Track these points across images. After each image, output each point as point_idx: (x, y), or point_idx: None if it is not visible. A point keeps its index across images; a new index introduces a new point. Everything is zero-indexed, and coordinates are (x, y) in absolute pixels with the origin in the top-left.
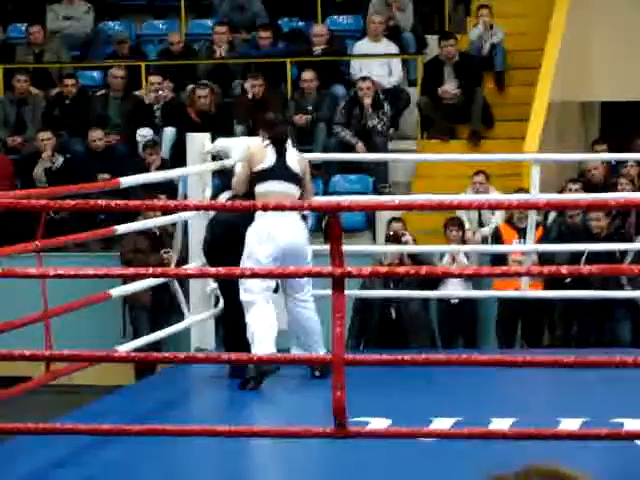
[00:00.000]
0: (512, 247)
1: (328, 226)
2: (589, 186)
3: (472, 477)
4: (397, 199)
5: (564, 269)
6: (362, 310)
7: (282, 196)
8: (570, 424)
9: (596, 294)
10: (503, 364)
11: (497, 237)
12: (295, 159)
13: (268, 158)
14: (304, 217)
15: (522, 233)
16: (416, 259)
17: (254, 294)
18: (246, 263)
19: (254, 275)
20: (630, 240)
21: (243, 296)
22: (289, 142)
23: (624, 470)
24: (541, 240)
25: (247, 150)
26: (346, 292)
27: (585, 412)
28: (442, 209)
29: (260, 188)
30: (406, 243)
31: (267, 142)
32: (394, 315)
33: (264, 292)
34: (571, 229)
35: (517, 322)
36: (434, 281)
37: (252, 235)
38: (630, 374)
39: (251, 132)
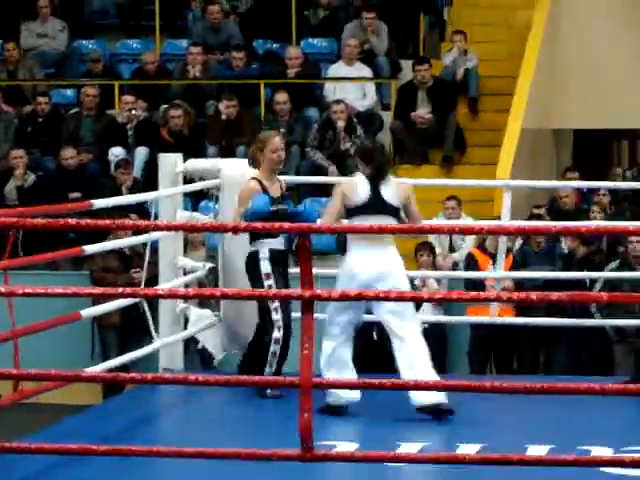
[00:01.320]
0: (481, 273)
1: (298, 248)
2: (560, 213)
3: None
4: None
5: (534, 295)
6: None
7: None
8: (537, 450)
9: (564, 321)
10: (469, 389)
11: (472, 263)
12: (393, 190)
13: (362, 191)
14: None
15: (495, 259)
16: None
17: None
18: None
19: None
20: (600, 268)
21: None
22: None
23: None
24: (512, 267)
25: (338, 186)
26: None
27: (552, 439)
28: (412, 233)
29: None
30: None
31: (363, 175)
32: (376, 337)
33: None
34: (533, 254)
35: (489, 348)
36: None
37: (339, 275)
38: (596, 402)
39: (224, 154)
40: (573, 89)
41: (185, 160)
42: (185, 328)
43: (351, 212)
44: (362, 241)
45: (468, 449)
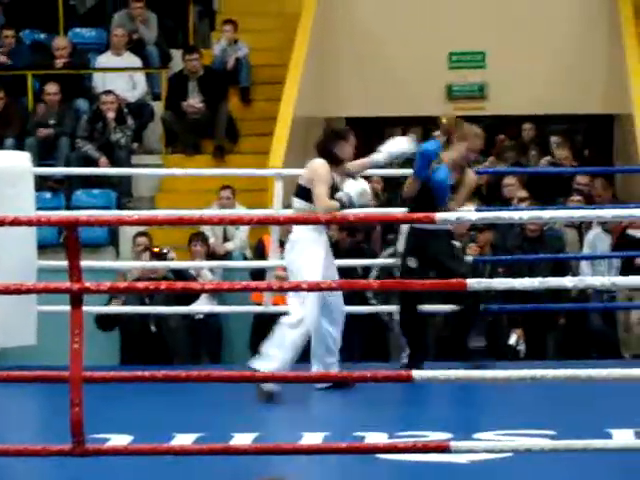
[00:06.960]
0: (266, 263)
1: (65, 241)
2: None
3: None
4: (138, 214)
5: (305, 284)
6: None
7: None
8: (312, 438)
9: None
10: (241, 380)
11: (260, 250)
12: (306, 169)
13: None
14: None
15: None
16: (179, 274)
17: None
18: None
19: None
20: (374, 255)
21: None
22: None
23: None
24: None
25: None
26: (95, 308)
27: (328, 426)
28: (182, 224)
29: None
30: (172, 260)
31: None
32: (154, 329)
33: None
34: None
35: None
36: (191, 296)
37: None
38: (372, 388)
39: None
40: (344, 77)
41: None
42: None
43: None
44: None
45: (242, 439)
